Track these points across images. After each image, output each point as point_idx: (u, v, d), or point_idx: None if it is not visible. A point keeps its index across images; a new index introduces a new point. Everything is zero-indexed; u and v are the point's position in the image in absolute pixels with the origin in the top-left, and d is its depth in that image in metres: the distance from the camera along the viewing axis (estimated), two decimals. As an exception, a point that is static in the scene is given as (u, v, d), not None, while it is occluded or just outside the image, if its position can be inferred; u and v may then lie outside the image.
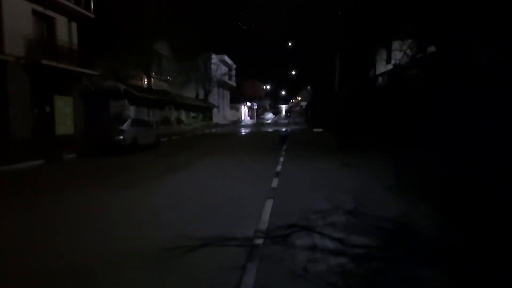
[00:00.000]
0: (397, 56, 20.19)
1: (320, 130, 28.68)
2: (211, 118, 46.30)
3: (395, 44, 20.81)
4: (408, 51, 17.63)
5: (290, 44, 51.29)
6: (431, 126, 10.07)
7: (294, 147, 15.47)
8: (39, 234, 4.64)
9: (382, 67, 24.30)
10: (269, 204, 5.67)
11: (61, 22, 17.96)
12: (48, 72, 16.28)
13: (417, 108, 11.84)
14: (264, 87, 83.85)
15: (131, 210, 5.71)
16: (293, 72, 68.35)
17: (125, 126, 14.25)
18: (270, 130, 33.60)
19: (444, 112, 9.54)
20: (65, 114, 18.17)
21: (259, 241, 4.10)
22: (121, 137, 13.81)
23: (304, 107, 63.35)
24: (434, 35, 11.53)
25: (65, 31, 18.22)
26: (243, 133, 29.81)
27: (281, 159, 11.39)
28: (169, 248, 3.93)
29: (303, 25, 32.64)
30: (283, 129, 22.19)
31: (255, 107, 74.60)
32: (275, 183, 7.40)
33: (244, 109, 71.70)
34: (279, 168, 9.39)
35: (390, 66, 22.16)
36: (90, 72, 19.40)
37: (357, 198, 5.96)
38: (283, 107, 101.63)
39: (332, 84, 30.36)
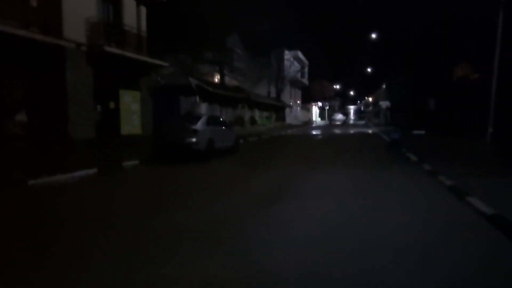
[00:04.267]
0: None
1: (422, 132, 23.54)
2: (284, 118, 42.62)
3: None
4: None
5: (374, 36, 45.64)
6: None
7: (430, 158, 10.26)
8: None
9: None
10: None
11: (128, 4, 15.53)
12: (113, 62, 13.81)
13: None
14: (334, 86, 78.65)
15: None
16: (369, 69, 62.00)
17: (199, 125, 10.97)
18: (352, 132, 29.62)
19: None
20: (131, 112, 15.69)
21: None
22: (194, 139, 10.54)
23: (384, 107, 56.83)
24: None
25: (133, 15, 15.78)
26: (327, 136, 25.37)
27: (449, 183, 6.84)
28: None
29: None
30: (394, 131, 17.22)
31: (327, 107, 69.31)
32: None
33: (315, 110, 66.95)
34: (476, 203, 5.05)
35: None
36: (160, 63, 16.73)
37: None
38: (351, 108, 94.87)
39: (435, 79, 24.68)
